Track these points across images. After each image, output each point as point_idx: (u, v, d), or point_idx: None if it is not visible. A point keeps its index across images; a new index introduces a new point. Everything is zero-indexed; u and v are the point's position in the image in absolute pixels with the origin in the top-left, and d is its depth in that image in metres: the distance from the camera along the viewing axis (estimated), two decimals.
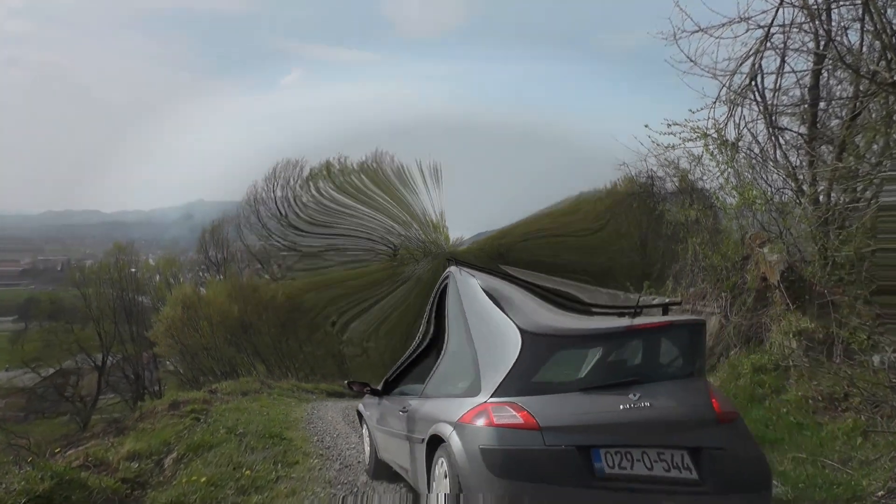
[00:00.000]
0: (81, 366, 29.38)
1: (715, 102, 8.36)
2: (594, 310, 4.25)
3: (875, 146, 7.43)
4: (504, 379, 3.70)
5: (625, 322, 3.89)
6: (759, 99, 8.34)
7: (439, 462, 3.90)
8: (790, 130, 8.56)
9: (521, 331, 3.78)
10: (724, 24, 7.74)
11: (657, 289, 10.93)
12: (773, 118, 8.38)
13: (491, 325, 4.03)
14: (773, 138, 8.47)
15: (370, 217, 18.89)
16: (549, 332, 3.81)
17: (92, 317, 29.43)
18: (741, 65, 8.14)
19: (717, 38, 7.84)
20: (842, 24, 7.51)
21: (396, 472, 5.55)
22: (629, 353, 4.02)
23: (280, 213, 20.87)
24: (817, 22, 7.54)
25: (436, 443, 3.98)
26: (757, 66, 8.10)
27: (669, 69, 8.09)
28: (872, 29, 6.96)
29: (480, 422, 3.59)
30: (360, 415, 6.74)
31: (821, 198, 7.99)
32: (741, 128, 8.58)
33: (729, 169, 8.68)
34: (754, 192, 8.37)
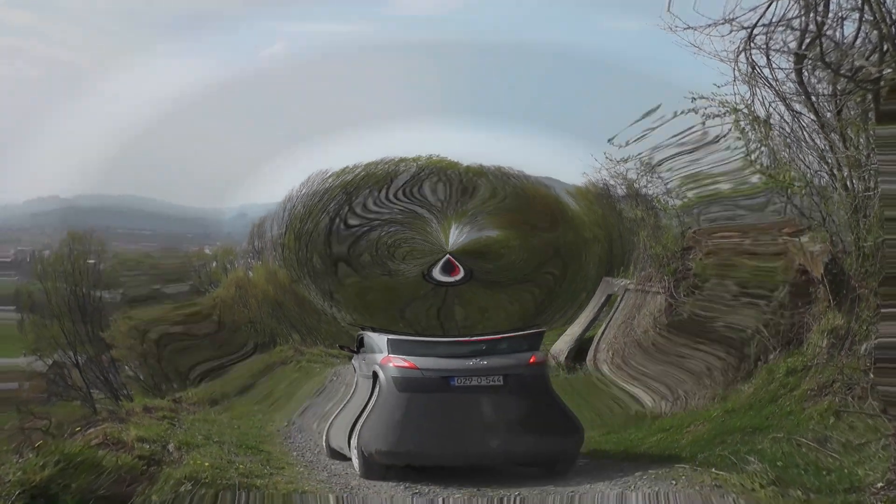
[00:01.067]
0: (64, 361, 28.59)
1: (734, 81, 8.43)
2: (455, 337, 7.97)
3: (860, 139, 7.66)
4: (386, 350, 6.96)
5: (465, 338, 7.42)
6: (770, 84, 8.29)
7: (376, 389, 6.86)
8: (806, 115, 8.45)
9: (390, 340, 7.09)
10: (709, 25, 7.68)
11: (625, 273, 13.70)
12: (787, 102, 8.45)
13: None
14: (798, 120, 8.50)
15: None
16: (399, 338, 7.20)
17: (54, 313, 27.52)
18: (738, 56, 8.03)
19: (707, 34, 7.76)
20: (839, 14, 7.42)
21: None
22: (489, 350, 6.97)
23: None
24: (812, 14, 7.39)
25: (375, 377, 6.93)
26: (749, 61, 8.03)
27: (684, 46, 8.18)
28: (872, 18, 6.90)
29: (390, 365, 6.76)
30: (354, 368, 8.98)
31: (848, 184, 7.94)
32: (768, 106, 8.63)
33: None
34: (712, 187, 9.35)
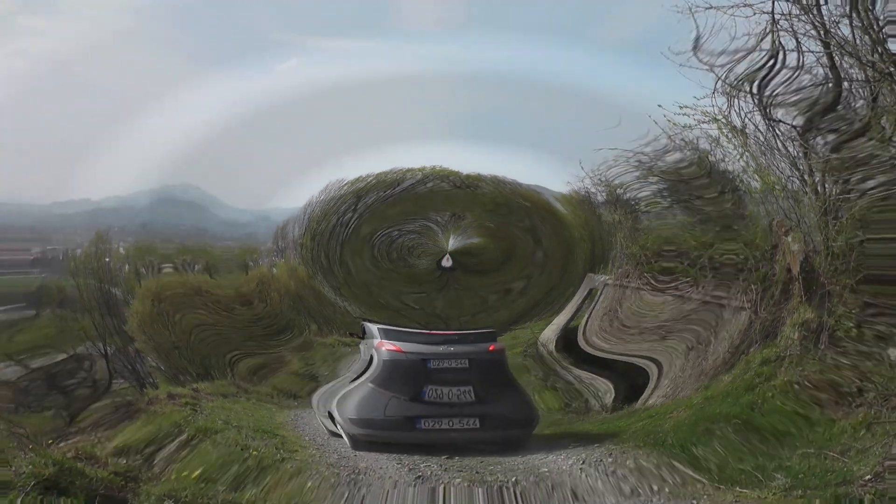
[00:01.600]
0: (91, 352, 28.61)
1: (714, 93, 8.34)
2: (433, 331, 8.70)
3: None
4: (380, 337, 7.90)
5: (436, 332, 8.47)
6: (753, 91, 8.16)
7: (371, 366, 7.70)
8: (784, 123, 8.27)
9: (380, 329, 8.15)
10: (734, 5, 7.42)
11: (605, 269, 14.04)
12: (768, 111, 8.23)
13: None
14: (771, 129, 8.34)
15: None
16: (390, 328, 8.25)
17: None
18: (747, 55, 7.80)
19: (731, 14, 7.47)
20: (832, 18, 7.10)
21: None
22: (457, 341, 7.83)
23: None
24: (811, 15, 7.16)
25: (371, 358, 7.78)
26: (777, 44, 7.64)
27: (670, 58, 8.03)
28: (861, 24, 6.64)
29: (383, 348, 7.64)
30: (361, 351, 9.53)
31: (819, 188, 7.89)
32: (743, 117, 8.44)
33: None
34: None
